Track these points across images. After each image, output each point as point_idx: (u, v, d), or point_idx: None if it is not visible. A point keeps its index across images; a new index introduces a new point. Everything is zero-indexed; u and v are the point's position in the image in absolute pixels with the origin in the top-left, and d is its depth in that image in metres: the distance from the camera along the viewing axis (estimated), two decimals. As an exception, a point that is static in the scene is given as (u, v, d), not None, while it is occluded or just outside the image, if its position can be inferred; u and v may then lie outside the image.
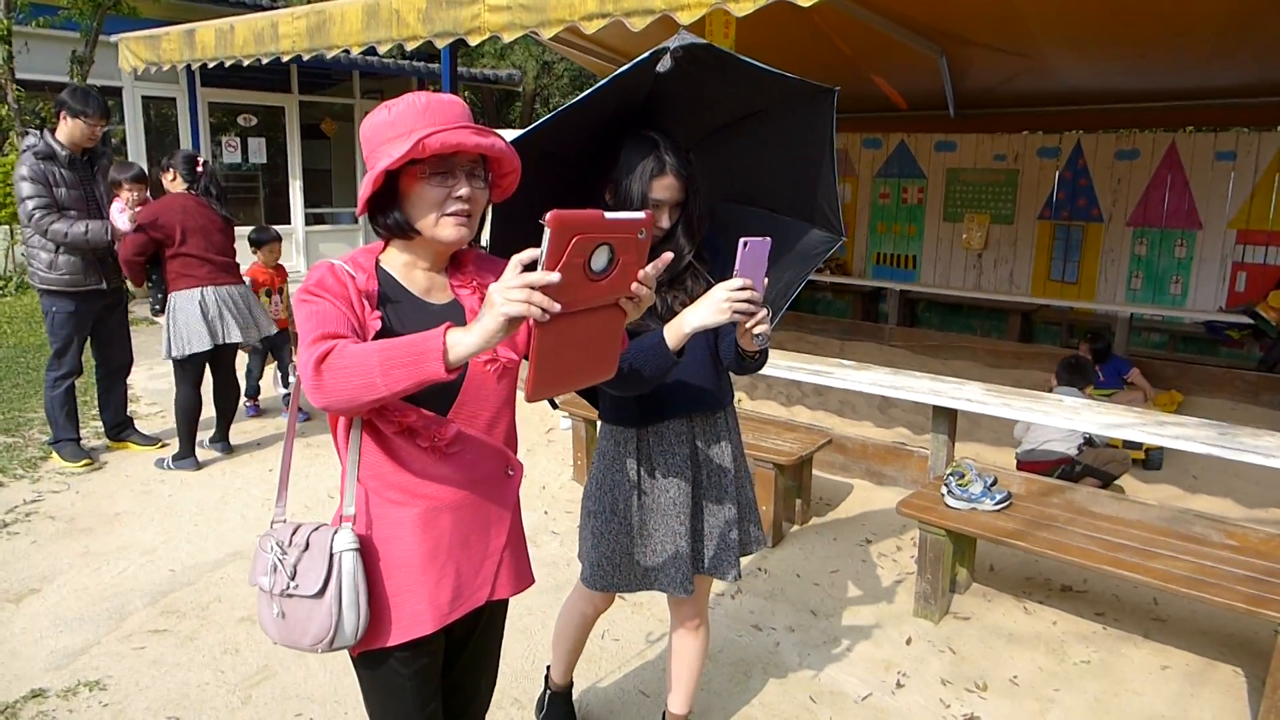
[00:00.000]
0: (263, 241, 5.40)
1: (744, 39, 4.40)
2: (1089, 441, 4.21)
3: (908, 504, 3.18)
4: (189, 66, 6.41)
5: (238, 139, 10.63)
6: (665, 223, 1.90)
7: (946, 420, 3.87)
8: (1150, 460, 4.52)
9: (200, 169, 4.36)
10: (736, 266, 1.68)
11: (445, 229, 1.43)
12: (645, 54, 1.70)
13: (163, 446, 4.75)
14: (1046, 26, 6.22)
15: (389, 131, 1.40)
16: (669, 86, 1.85)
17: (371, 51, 4.84)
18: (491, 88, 13.70)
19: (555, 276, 1.13)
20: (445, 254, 1.53)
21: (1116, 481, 4.29)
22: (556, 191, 1.94)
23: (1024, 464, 4.27)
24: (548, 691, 2.52)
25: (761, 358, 1.91)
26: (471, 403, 1.51)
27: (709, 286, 2.00)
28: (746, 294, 1.68)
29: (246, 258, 5.23)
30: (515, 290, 1.14)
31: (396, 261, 1.51)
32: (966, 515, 3.09)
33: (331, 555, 1.43)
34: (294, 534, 1.50)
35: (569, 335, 1.21)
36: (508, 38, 4.14)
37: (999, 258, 8.28)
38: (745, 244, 1.65)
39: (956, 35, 6.85)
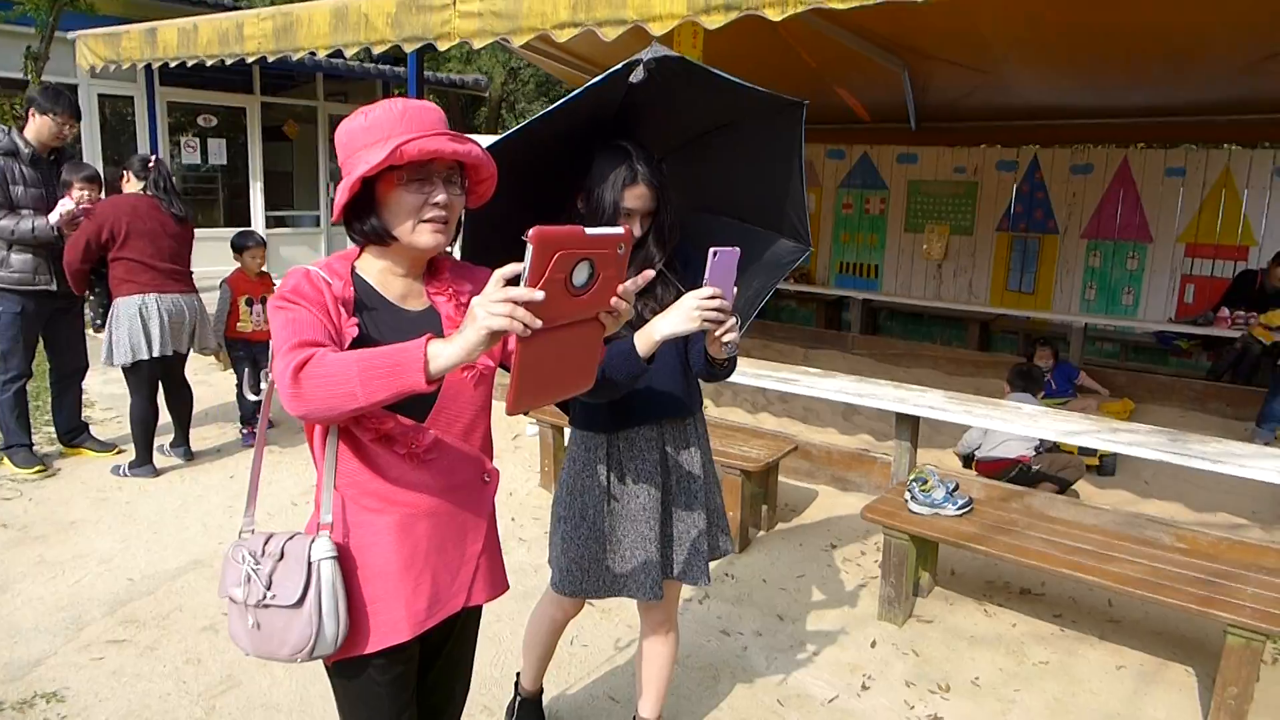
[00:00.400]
0: (244, 246, 5.06)
1: (713, 50, 4.46)
2: (1047, 448, 4.31)
3: (872, 509, 3.24)
4: (149, 66, 6.31)
5: (197, 139, 10.45)
6: (637, 231, 1.93)
7: (909, 427, 3.94)
8: (1104, 466, 4.65)
9: (151, 166, 4.26)
10: (706, 275, 1.70)
11: (422, 235, 1.44)
12: (619, 65, 1.72)
13: (119, 452, 4.65)
14: (1006, 44, 6.37)
15: (365, 137, 1.41)
16: (641, 97, 1.88)
17: (338, 54, 4.80)
18: (458, 92, 13.64)
19: (539, 293, 1.15)
20: (422, 260, 1.54)
21: (1073, 486, 4.39)
22: (528, 199, 1.95)
23: (981, 465, 4.36)
24: (518, 698, 2.52)
25: (730, 365, 1.94)
26: (449, 409, 1.52)
27: (679, 295, 2.03)
28: (716, 303, 1.71)
29: (227, 263, 5.12)
30: (498, 304, 1.16)
31: (372, 268, 1.52)
32: (929, 520, 3.15)
33: (310, 564, 1.43)
34: (266, 544, 1.49)
35: (550, 349, 1.23)
36: (478, 44, 4.14)
37: (959, 268, 8.45)
38: (715, 254, 1.69)
39: (919, 50, 6.98)
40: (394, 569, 1.49)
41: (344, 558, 1.47)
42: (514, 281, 1.18)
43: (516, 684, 2.53)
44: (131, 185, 4.27)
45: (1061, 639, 3.18)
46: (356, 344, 1.41)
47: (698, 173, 2.17)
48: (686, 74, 1.81)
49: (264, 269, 5.20)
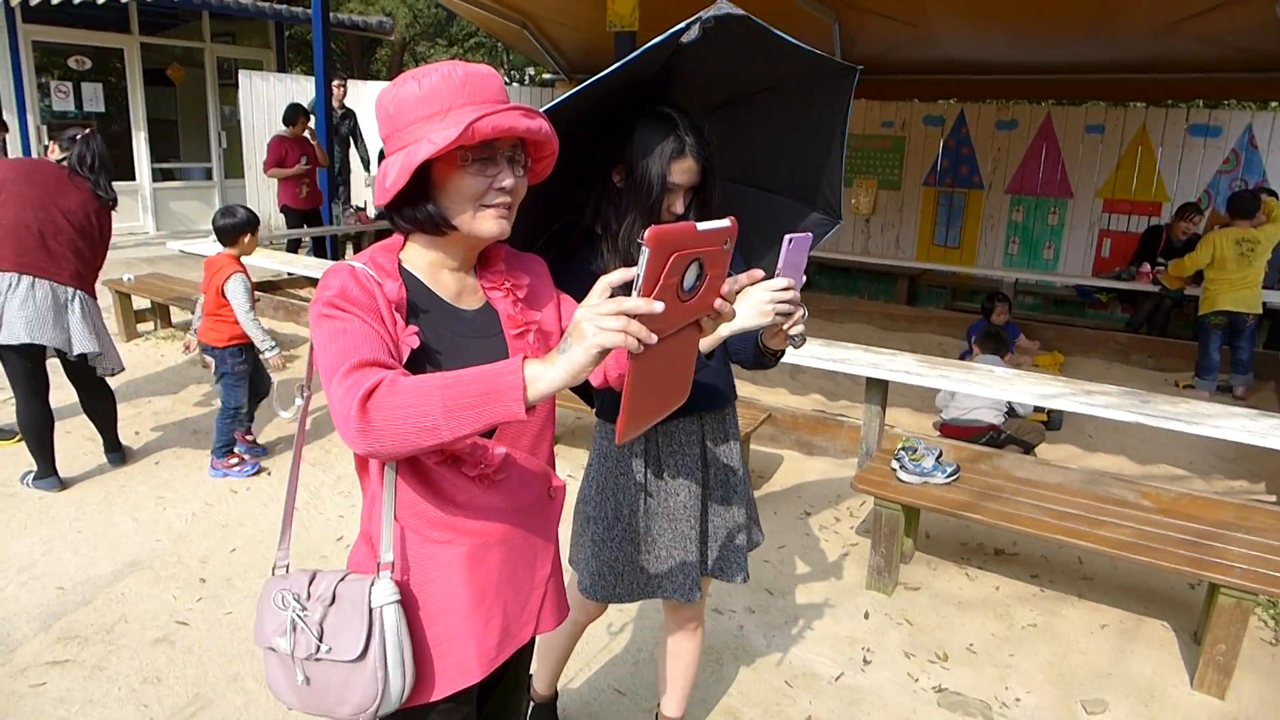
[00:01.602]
0: (239, 229, 3.88)
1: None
2: (1011, 412, 4.38)
3: (862, 480, 3.20)
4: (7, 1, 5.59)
5: (69, 84, 9.48)
6: (679, 208, 1.75)
7: (879, 391, 3.92)
8: (1051, 422, 4.78)
9: (78, 139, 3.60)
10: (780, 263, 1.55)
11: (485, 222, 1.24)
12: (680, 25, 1.53)
13: (19, 440, 4.18)
14: (937, -3, 6.37)
15: (421, 109, 1.18)
16: (682, 58, 1.69)
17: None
18: (359, 34, 12.82)
19: (658, 305, 1.00)
20: (475, 251, 1.34)
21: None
22: (557, 174, 1.75)
23: (949, 428, 4.41)
24: (531, 703, 2.37)
25: (782, 354, 1.80)
26: (516, 421, 1.33)
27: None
28: (790, 294, 1.56)
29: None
30: (610, 318, 0.99)
31: (421, 261, 1.31)
32: (920, 490, 3.13)
33: (371, 611, 1.23)
34: (311, 584, 1.29)
35: (657, 364, 1.08)
36: None
37: (886, 222, 8.54)
38: (790, 240, 1.54)
39: (850, 2, 6.91)
40: (464, 606, 1.31)
41: (405, 598, 1.28)
42: (622, 290, 1.04)
43: (529, 688, 2.38)
44: (53, 156, 3.65)
45: (1043, 599, 3.24)
46: (415, 356, 1.21)
47: (730, 139, 2.00)
48: (745, 33, 1.62)
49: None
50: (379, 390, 1.06)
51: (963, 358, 5.66)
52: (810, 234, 1.60)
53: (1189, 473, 4.45)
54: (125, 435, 4.22)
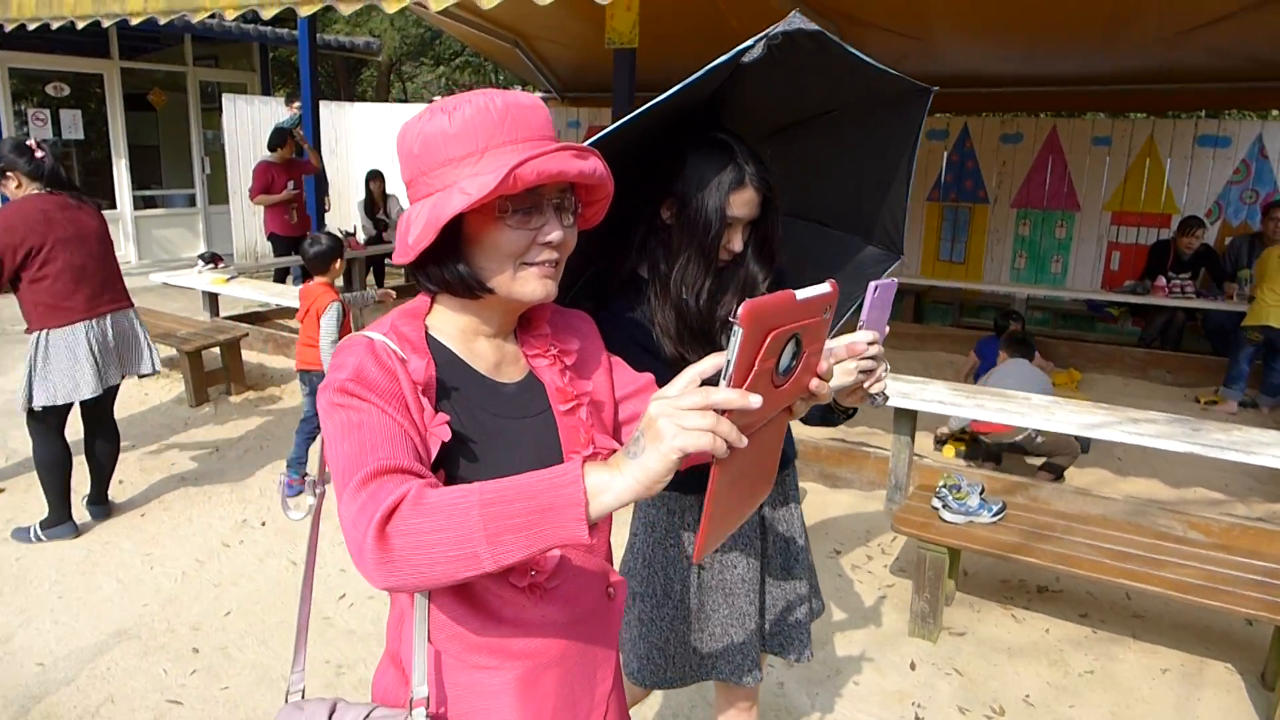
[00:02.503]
0: (329, 255, 3.95)
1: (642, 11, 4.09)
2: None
3: (904, 521, 3.00)
4: (-11, 27, 5.37)
5: (47, 111, 9.23)
6: (737, 245, 1.56)
7: (909, 421, 3.74)
8: (1081, 443, 4.59)
9: (40, 154, 3.35)
10: (864, 314, 1.36)
11: (527, 284, 1.03)
12: (746, 43, 1.34)
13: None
14: (938, 9, 6.23)
15: (452, 148, 0.98)
16: (737, 79, 1.50)
17: (254, 17, 4.14)
18: (346, 56, 12.62)
19: (755, 399, 0.80)
20: (517, 314, 1.13)
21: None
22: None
23: (981, 423, 4.19)
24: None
25: (854, 412, 1.60)
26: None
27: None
28: (875, 350, 1.37)
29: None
30: (695, 415, 0.79)
31: (451, 327, 1.09)
32: (966, 530, 2.94)
33: None
34: (333, 716, 1.07)
35: (743, 464, 0.88)
36: (389, 8, 3.72)
37: (887, 238, 8.38)
38: (875, 288, 1.34)
39: (851, 15, 6.77)
40: None
41: None
42: (710, 380, 0.84)
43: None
44: (20, 189, 3.33)
45: (1096, 642, 3.04)
46: (447, 447, 0.99)
47: (783, 168, 1.81)
48: (814, 50, 1.43)
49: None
50: (402, 509, 0.85)
51: (977, 376, 5.50)
52: (895, 280, 1.41)
53: (1226, 496, 4.27)
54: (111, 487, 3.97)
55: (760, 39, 1.36)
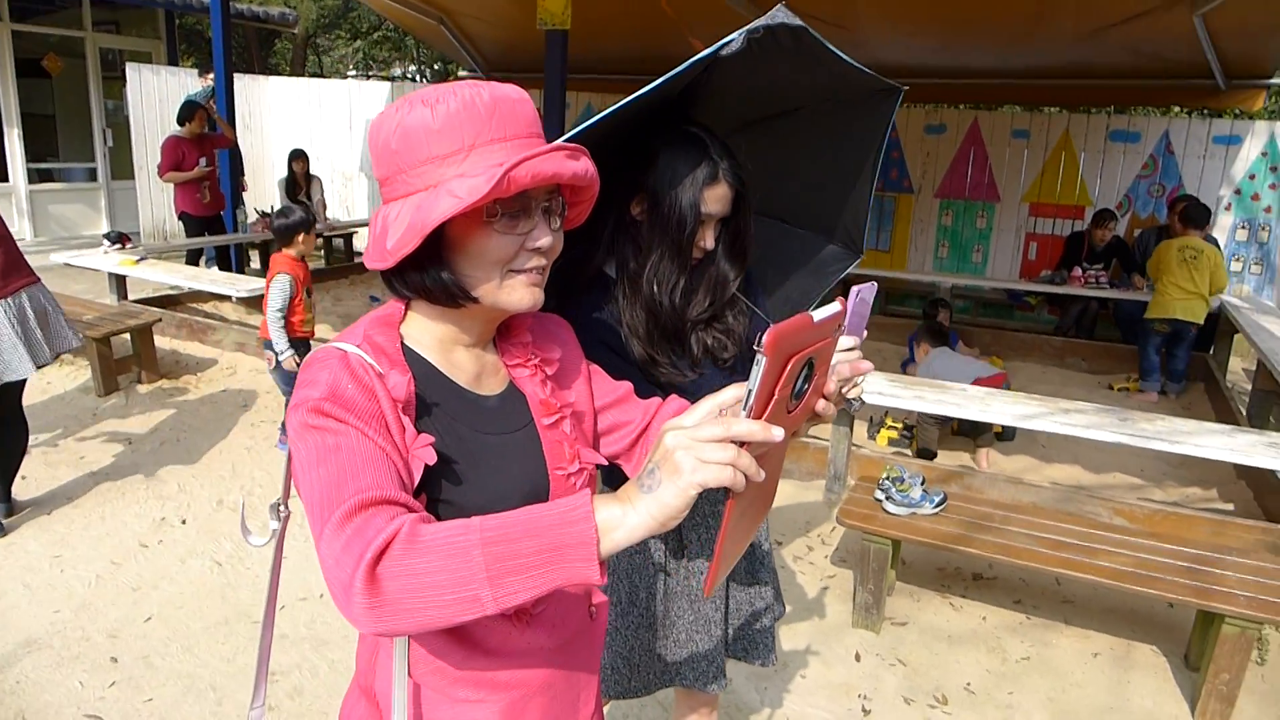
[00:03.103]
0: (291, 229, 4.07)
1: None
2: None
3: (847, 514, 3.02)
4: None
5: (-73, 75, 8.55)
6: (709, 242, 1.51)
7: (847, 413, 3.77)
8: (1005, 432, 4.74)
9: None
10: (846, 320, 1.34)
11: (514, 292, 0.96)
12: (728, 37, 1.29)
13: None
14: (865, -1, 6.31)
15: (435, 144, 0.90)
16: (711, 73, 1.45)
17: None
18: (259, 26, 12.04)
19: (778, 433, 0.77)
20: (497, 323, 1.06)
21: (981, 450, 4.49)
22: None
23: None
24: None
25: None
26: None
27: (753, 323, 1.65)
28: (855, 355, 1.35)
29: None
30: (715, 448, 0.75)
31: (428, 336, 1.02)
32: (910, 523, 2.98)
33: None
34: None
35: (753, 494, 0.85)
36: None
37: (816, 226, 8.48)
38: (857, 292, 1.32)
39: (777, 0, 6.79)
40: None
41: None
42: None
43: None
44: None
45: (1030, 628, 3.13)
46: (428, 472, 0.92)
47: (748, 163, 1.77)
48: (792, 45, 1.39)
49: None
50: (394, 548, 0.77)
51: (904, 366, 5.61)
52: (875, 284, 1.38)
53: (1144, 480, 4.47)
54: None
55: (742, 33, 1.31)
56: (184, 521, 3.61)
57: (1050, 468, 4.57)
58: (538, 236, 0.95)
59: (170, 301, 6.39)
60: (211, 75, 7.42)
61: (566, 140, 1.26)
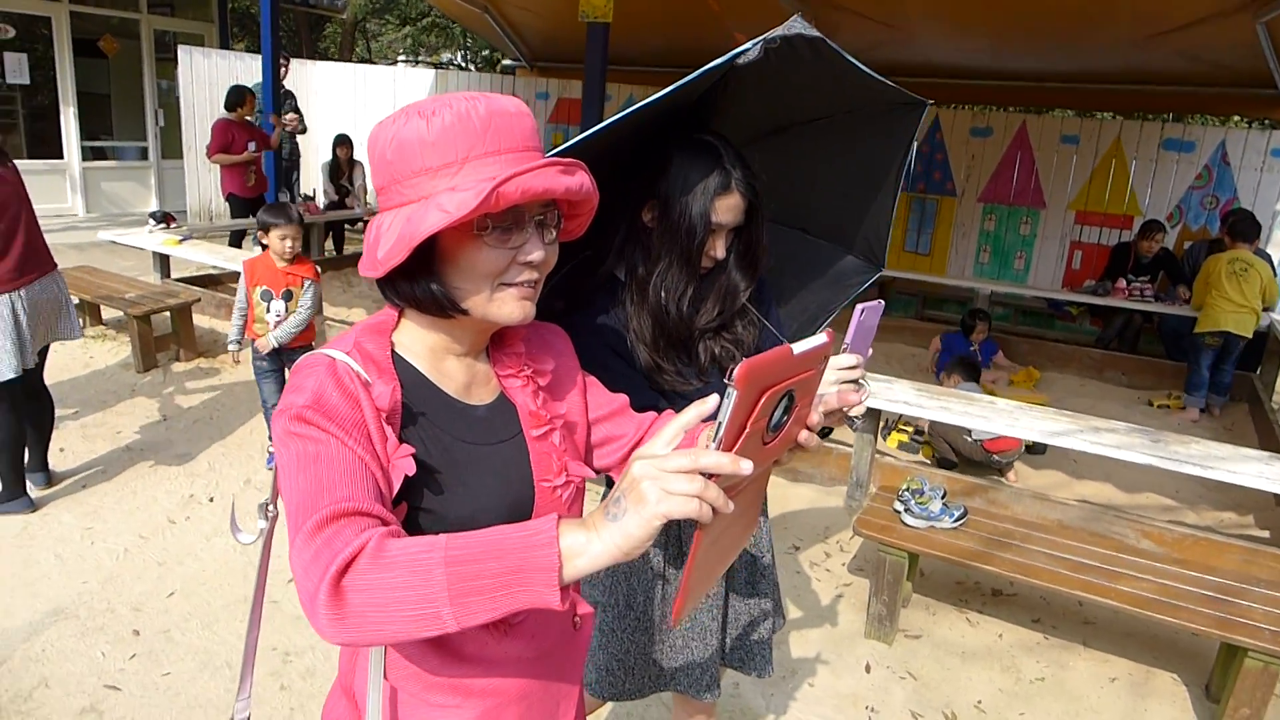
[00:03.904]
0: (269, 224, 3.73)
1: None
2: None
3: (865, 524, 2.99)
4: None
5: (-10, 52, 8.80)
6: (720, 252, 1.50)
7: (872, 420, 3.73)
8: (1035, 446, 4.65)
9: None
10: (849, 337, 1.33)
11: (504, 305, 0.96)
12: (743, 46, 1.27)
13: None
14: (916, -1, 6.21)
15: (428, 156, 0.90)
16: (728, 81, 1.44)
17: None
18: (308, 11, 12.20)
19: (747, 465, 0.75)
20: (489, 334, 1.06)
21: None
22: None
23: (990, 441, 4.21)
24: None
25: (831, 430, 1.56)
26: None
27: (762, 333, 1.63)
28: (858, 373, 1.33)
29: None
30: (683, 480, 0.74)
31: (419, 345, 1.02)
32: (927, 536, 2.94)
33: None
34: None
35: (726, 523, 0.84)
36: None
37: (855, 227, 8.38)
38: (862, 310, 1.31)
39: (827, 0, 6.71)
40: None
41: None
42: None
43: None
44: None
45: (1048, 648, 3.08)
46: (411, 481, 0.93)
47: (767, 173, 1.75)
48: (811, 57, 1.37)
49: (297, 252, 3.80)
50: (360, 562, 0.78)
51: (939, 365, 5.53)
52: (882, 301, 1.37)
53: (1177, 502, 4.36)
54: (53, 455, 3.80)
55: (758, 42, 1.29)
56: (211, 499, 3.69)
57: (1081, 484, 4.48)
58: (529, 250, 0.94)
59: (211, 281, 6.52)
60: (286, 63, 7.60)
61: (572, 146, 1.27)
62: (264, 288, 3.75)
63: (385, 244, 0.91)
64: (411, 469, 0.91)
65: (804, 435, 0.93)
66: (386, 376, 0.96)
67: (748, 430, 0.77)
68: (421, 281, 0.95)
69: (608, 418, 1.21)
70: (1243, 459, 3.08)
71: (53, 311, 3.39)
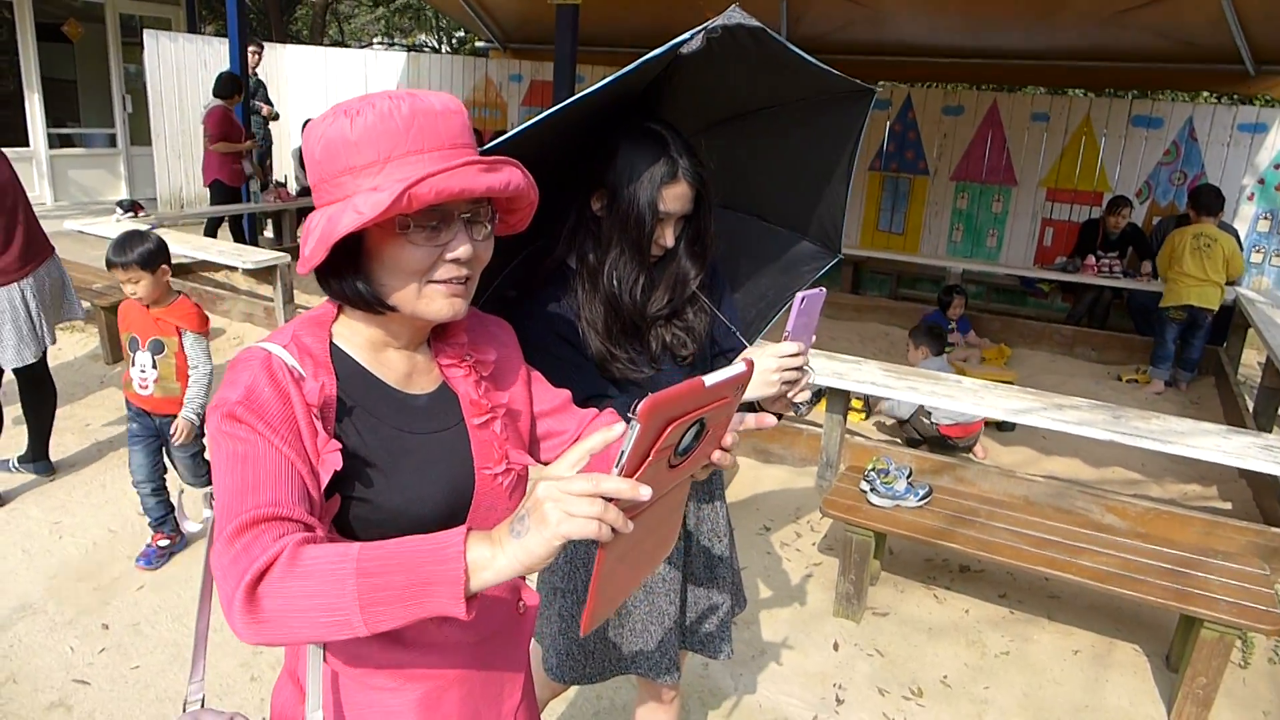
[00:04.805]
0: (111, 262, 2.86)
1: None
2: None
3: (832, 504, 3.02)
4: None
5: (-51, 39, 8.62)
6: (669, 240, 1.51)
7: (842, 401, 3.76)
8: (1003, 423, 4.70)
9: None
10: (790, 325, 1.35)
11: (432, 302, 0.97)
12: (683, 35, 1.28)
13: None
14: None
15: (350, 156, 0.91)
16: (675, 70, 1.44)
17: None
18: (277, -6, 12.01)
19: (645, 490, 0.78)
20: (427, 329, 1.07)
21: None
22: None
23: (949, 427, 4.24)
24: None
25: (780, 417, 1.58)
26: (480, 530, 1.07)
27: (712, 321, 1.64)
28: (799, 360, 1.35)
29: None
30: (581, 502, 0.77)
31: (358, 337, 1.03)
32: (892, 515, 2.98)
33: None
34: None
35: (634, 539, 0.86)
36: None
37: (830, 206, 8.39)
38: (802, 298, 1.33)
39: (801, -23, 6.69)
40: None
41: None
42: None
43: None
44: None
45: (1013, 623, 3.13)
46: (347, 469, 0.94)
47: (721, 160, 1.75)
48: (754, 46, 1.37)
49: (174, 291, 3.04)
50: (274, 570, 0.81)
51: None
52: (823, 290, 1.39)
53: (1143, 476, 4.43)
54: (9, 446, 3.77)
55: (699, 31, 1.30)
56: (182, 491, 3.67)
57: (1050, 460, 4.54)
58: (455, 247, 0.95)
59: (181, 270, 6.45)
60: (258, 51, 7.53)
61: (510, 138, 1.27)
62: (132, 334, 2.98)
63: (310, 243, 0.91)
64: (339, 464, 0.92)
65: (717, 455, 0.96)
66: (323, 369, 0.97)
67: (650, 458, 0.80)
68: (349, 279, 0.96)
69: (550, 413, 1.23)
70: (1202, 433, 3.13)
71: (56, 294, 3.46)
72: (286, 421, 0.90)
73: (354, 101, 0.93)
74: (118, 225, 6.02)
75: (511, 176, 0.95)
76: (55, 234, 7.34)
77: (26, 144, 9.19)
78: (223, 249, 5.77)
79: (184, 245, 5.65)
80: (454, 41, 16.90)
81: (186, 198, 8.56)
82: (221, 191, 7.11)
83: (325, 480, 0.91)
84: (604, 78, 1.25)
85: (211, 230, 7.28)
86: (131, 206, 6.29)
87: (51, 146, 9.40)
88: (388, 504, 0.98)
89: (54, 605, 2.86)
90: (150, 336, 2.96)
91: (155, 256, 2.87)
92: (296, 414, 0.92)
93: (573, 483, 0.78)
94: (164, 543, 3.17)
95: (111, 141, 10.05)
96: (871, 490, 3.04)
